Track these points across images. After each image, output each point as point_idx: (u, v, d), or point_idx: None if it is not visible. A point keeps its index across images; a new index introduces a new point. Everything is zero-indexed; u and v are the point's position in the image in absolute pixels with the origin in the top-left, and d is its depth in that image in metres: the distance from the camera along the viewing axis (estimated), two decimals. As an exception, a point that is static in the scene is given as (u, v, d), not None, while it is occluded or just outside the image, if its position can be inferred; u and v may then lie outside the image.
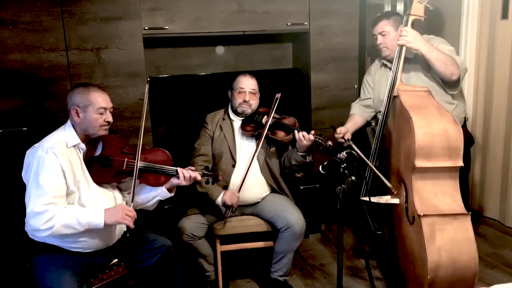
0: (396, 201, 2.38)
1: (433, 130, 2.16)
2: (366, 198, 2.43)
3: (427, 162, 2.16)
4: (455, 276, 2.11)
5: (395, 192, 2.36)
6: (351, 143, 2.46)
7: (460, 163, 2.18)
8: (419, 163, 2.15)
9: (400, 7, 3.58)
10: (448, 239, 2.11)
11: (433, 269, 2.09)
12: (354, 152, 2.10)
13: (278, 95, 2.52)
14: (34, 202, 1.82)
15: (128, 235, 1.96)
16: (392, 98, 2.41)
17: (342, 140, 2.58)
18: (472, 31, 3.22)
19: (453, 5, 3.26)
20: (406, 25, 2.42)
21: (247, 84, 2.56)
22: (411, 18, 2.40)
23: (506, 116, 3.18)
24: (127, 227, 1.94)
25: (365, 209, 2.45)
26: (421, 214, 2.12)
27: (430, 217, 2.12)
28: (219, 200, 2.43)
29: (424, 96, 2.34)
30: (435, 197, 2.19)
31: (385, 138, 2.50)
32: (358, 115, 2.83)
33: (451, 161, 2.17)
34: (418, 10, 2.40)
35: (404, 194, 2.28)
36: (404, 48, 2.40)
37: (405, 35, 2.37)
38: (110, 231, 2.03)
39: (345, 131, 2.62)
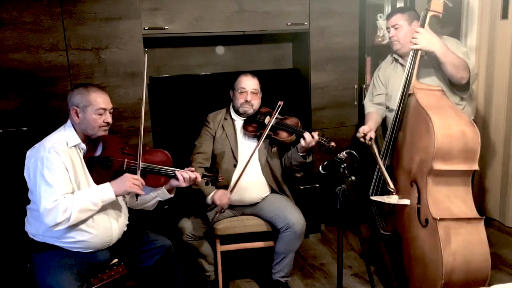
0: (406, 202, 2.32)
1: (451, 132, 2.11)
2: (375, 198, 2.39)
3: (445, 165, 2.11)
4: (468, 278, 2.11)
5: (393, 192, 2.33)
6: (373, 143, 2.37)
7: (475, 166, 2.15)
8: (437, 165, 2.11)
9: (400, 6, 3.57)
10: (462, 243, 2.09)
11: (448, 272, 2.07)
12: (354, 152, 2.09)
13: (281, 103, 2.51)
14: (45, 201, 1.82)
15: (137, 201, 2.04)
16: (407, 96, 2.34)
17: (364, 140, 2.49)
18: (472, 31, 3.22)
19: (453, 5, 3.26)
20: (424, 21, 2.35)
21: (249, 84, 2.56)
22: (429, 14, 2.34)
23: (506, 116, 3.17)
24: (135, 194, 1.99)
25: (374, 209, 2.42)
26: (438, 218, 2.09)
27: (446, 221, 2.10)
28: (209, 198, 2.42)
29: (439, 96, 2.29)
30: (448, 200, 2.16)
31: (396, 137, 2.45)
32: (375, 113, 2.74)
33: (466, 164, 2.14)
34: (437, 6, 2.34)
35: (416, 195, 2.24)
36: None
37: (419, 37, 2.30)
38: (110, 231, 2.03)
39: (368, 129, 2.53)
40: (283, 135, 2.50)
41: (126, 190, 1.94)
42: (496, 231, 3.25)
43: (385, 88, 2.73)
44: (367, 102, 2.84)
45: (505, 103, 3.16)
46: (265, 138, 2.48)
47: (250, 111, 2.57)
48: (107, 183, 1.93)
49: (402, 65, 2.63)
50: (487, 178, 3.39)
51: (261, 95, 2.61)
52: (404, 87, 2.36)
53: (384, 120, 2.79)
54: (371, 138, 2.49)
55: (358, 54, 3.20)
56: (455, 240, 2.09)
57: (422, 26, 2.36)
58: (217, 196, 2.39)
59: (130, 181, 1.93)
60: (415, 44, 2.31)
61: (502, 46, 3.12)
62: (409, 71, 2.35)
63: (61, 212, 1.81)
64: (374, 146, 2.32)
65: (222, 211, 2.44)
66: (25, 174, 1.93)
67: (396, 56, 2.66)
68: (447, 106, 2.24)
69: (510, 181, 3.21)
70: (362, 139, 2.51)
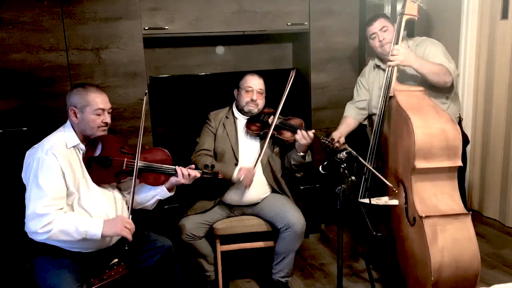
0: (395, 202, 2.37)
1: (431, 130, 2.15)
2: (365, 200, 2.42)
3: (427, 163, 2.15)
4: (457, 276, 2.11)
5: (396, 191, 2.35)
6: (347, 146, 2.43)
7: (459, 162, 2.18)
8: (419, 164, 2.14)
9: (400, 7, 3.57)
10: (449, 239, 2.10)
11: (436, 270, 2.08)
12: (354, 152, 2.09)
13: (293, 72, 2.52)
14: (34, 204, 1.82)
15: (126, 248, 1.95)
16: (388, 99, 2.40)
17: (337, 145, 2.55)
18: (472, 31, 3.22)
19: (453, 5, 3.26)
20: (399, 25, 2.41)
21: (255, 84, 2.56)
22: (405, 18, 2.40)
23: (506, 116, 3.17)
24: (126, 240, 1.93)
25: (364, 210, 2.44)
26: (423, 216, 2.11)
27: (432, 218, 2.11)
28: (234, 176, 2.42)
29: (420, 96, 2.34)
30: (434, 197, 2.19)
31: (382, 139, 2.49)
32: (351, 118, 2.81)
33: (450, 161, 2.17)
34: (411, 9, 2.41)
35: (404, 195, 2.27)
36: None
37: (396, 54, 2.36)
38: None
39: (338, 135, 2.62)
40: (287, 135, 2.50)
41: (116, 233, 1.91)
42: (496, 231, 3.25)
43: (369, 94, 2.77)
44: (348, 105, 2.88)
45: (505, 103, 3.16)
46: (268, 138, 2.49)
47: (255, 110, 2.57)
48: (101, 220, 1.91)
49: (384, 70, 2.65)
50: (487, 178, 3.39)
51: (265, 95, 2.61)
52: (385, 90, 2.41)
53: (372, 124, 2.82)
54: (344, 143, 2.52)
55: (358, 54, 3.21)
56: (442, 237, 2.10)
57: (398, 32, 2.42)
58: (243, 172, 2.41)
59: (122, 224, 1.91)
60: (393, 61, 2.37)
61: (502, 46, 3.11)
62: (389, 74, 2.40)
63: (45, 224, 1.80)
64: (350, 149, 2.34)
65: (248, 186, 2.45)
66: (22, 174, 1.93)
67: (378, 63, 2.70)
68: (428, 106, 2.28)
69: (510, 181, 3.21)
70: (336, 144, 2.53)
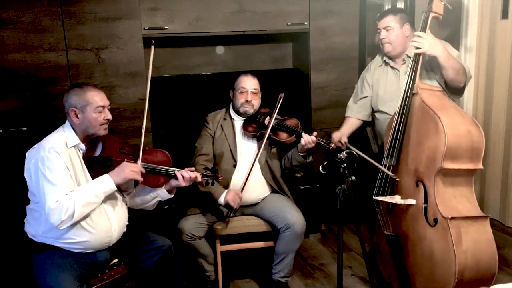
0: (412, 202, 2.31)
1: (459, 131, 2.13)
2: (380, 198, 2.37)
3: (453, 164, 2.13)
4: (477, 276, 2.13)
5: (398, 179, 2.31)
6: (349, 145, 2.44)
7: (480, 165, 2.16)
8: (446, 164, 2.12)
9: (400, 6, 3.57)
10: (472, 241, 2.11)
11: (461, 271, 2.08)
12: (354, 153, 2.09)
13: (282, 95, 2.52)
14: (50, 200, 1.82)
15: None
16: (411, 96, 2.30)
17: (339, 145, 2.58)
18: (472, 31, 3.22)
19: (453, 5, 3.26)
20: (425, 22, 2.32)
21: (249, 84, 2.55)
22: (431, 15, 2.33)
23: (506, 116, 3.17)
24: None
25: (380, 209, 2.42)
26: (449, 217, 2.09)
27: (457, 220, 2.11)
28: (221, 199, 2.42)
29: (440, 96, 2.30)
30: (454, 199, 2.18)
31: (402, 137, 2.40)
32: (353, 118, 2.78)
33: (472, 163, 2.16)
34: (438, 7, 2.34)
35: (423, 195, 2.23)
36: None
37: (421, 41, 2.27)
38: (110, 232, 2.02)
39: (340, 135, 2.62)
40: (283, 136, 2.50)
41: (125, 177, 1.93)
42: (496, 231, 3.24)
43: (371, 91, 2.72)
44: (350, 104, 2.83)
45: (505, 103, 3.16)
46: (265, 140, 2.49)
47: (251, 111, 2.56)
48: (106, 174, 1.93)
49: (393, 68, 2.62)
50: (487, 178, 3.39)
51: (260, 95, 2.61)
52: (407, 86, 2.32)
53: (374, 123, 2.80)
54: (345, 142, 2.55)
55: (358, 54, 3.21)
56: (465, 239, 2.10)
57: (424, 28, 2.33)
58: (230, 197, 2.40)
59: (128, 168, 1.93)
60: (418, 48, 2.29)
61: (502, 46, 3.12)
62: (412, 69, 2.31)
63: (65, 210, 1.81)
64: (353, 148, 2.33)
65: (236, 211, 2.45)
66: (26, 175, 1.93)
67: (387, 60, 2.65)
68: (450, 106, 2.25)
69: (510, 181, 3.21)
70: (337, 144, 2.57)
